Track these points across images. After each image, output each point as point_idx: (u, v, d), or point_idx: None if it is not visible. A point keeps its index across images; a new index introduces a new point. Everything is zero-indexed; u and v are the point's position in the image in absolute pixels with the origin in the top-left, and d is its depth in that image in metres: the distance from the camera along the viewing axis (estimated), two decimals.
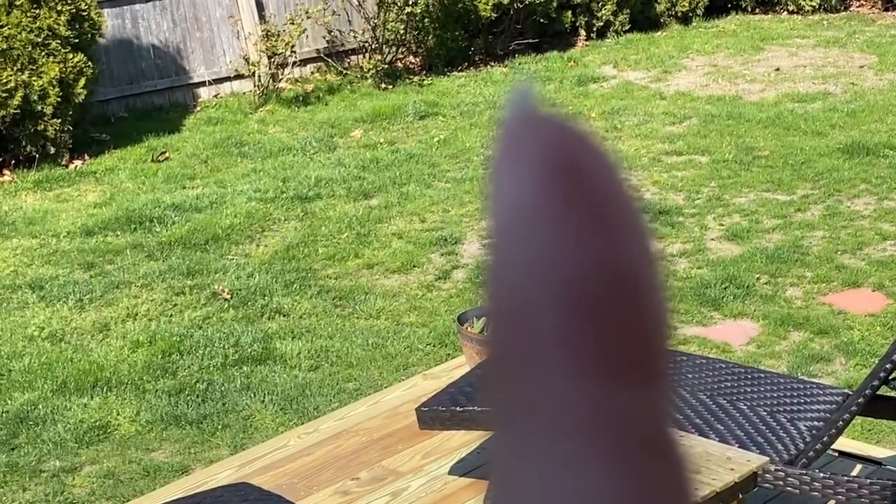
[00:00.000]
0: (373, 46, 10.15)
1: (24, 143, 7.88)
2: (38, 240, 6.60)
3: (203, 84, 9.79)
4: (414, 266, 5.97)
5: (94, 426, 4.48)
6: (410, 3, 9.86)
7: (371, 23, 10.09)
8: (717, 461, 2.79)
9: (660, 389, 0.27)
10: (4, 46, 7.66)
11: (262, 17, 9.93)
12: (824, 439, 2.95)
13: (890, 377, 2.92)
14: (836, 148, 7.43)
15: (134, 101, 9.48)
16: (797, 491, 2.82)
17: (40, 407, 4.62)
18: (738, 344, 4.93)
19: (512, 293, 0.27)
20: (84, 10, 8.04)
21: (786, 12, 11.99)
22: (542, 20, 10.78)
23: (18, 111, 7.68)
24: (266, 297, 5.61)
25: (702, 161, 7.45)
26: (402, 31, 10.14)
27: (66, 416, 4.55)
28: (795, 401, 3.20)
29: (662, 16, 11.58)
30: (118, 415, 4.56)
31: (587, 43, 11.14)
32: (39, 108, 7.77)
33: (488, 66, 10.46)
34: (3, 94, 7.60)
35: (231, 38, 9.90)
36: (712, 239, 6.15)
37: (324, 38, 10.26)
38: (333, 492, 3.27)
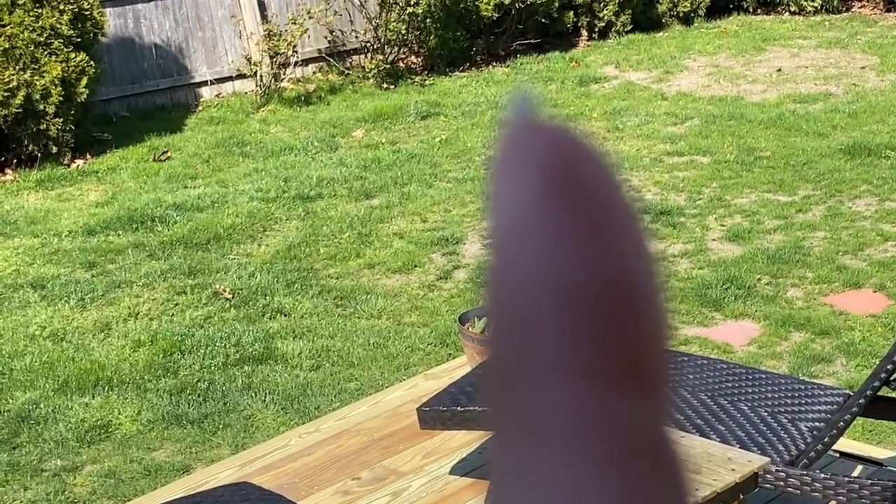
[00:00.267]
0: (375, 46, 10.15)
1: (26, 143, 7.88)
2: (39, 239, 6.60)
3: (205, 84, 9.79)
4: (415, 266, 5.98)
5: (96, 425, 4.48)
6: (412, 3, 9.86)
7: (373, 23, 10.09)
8: (719, 461, 2.79)
9: (659, 396, 0.27)
10: (7, 46, 7.66)
11: (264, 17, 9.93)
12: (825, 440, 2.95)
13: (891, 378, 2.92)
14: (837, 149, 7.43)
15: (136, 100, 9.48)
16: (798, 491, 2.82)
17: (42, 406, 4.63)
18: (740, 344, 4.93)
19: (512, 297, 0.27)
20: (86, 10, 8.05)
21: (787, 13, 11.99)
22: (543, 20, 10.78)
23: (21, 110, 7.68)
24: (267, 297, 5.61)
25: (703, 161, 7.45)
26: (403, 32, 10.14)
27: (67, 415, 4.55)
28: (796, 401, 3.20)
29: (664, 16, 11.58)
30: (119, 414, 4.57)
31: (589, 43, 11.14)
32: (41, 107, 7.78)
33: (490, 67, 10.46)
34: (6, 94, 7.61)
35: (233, 37, 9.90)
36: (713, 239, 6.15)
37: (326, 38, 10.26)
38: (334, 491, 3.27)
